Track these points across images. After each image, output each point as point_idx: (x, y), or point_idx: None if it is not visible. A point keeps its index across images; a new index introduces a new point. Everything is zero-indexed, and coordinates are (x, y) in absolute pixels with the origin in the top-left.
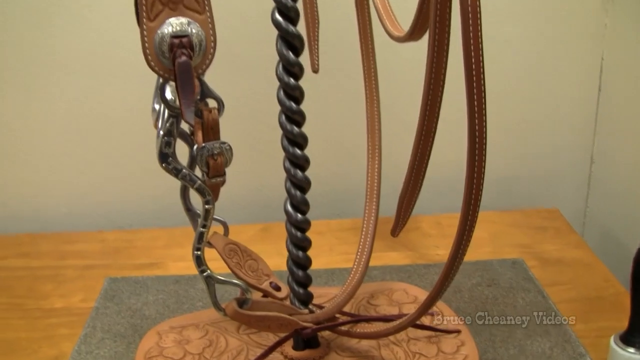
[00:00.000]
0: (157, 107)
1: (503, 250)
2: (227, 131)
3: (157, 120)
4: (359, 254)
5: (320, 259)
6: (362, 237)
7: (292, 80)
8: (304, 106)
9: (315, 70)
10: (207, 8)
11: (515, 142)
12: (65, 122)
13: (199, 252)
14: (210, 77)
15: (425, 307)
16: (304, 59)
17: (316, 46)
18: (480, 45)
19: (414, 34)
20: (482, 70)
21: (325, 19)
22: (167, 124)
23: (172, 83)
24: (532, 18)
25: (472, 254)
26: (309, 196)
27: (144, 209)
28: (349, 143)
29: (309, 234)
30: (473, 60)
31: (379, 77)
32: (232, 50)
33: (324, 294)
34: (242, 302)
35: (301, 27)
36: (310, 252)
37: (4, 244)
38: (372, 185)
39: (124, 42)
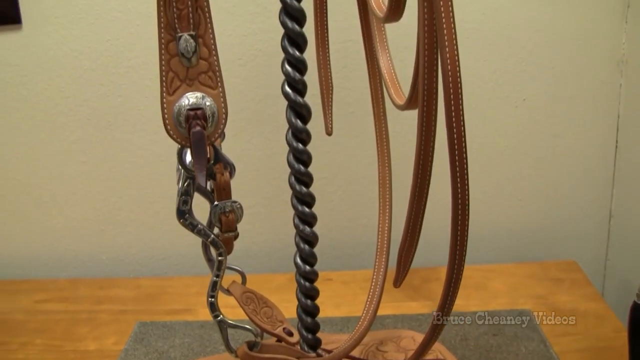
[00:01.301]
0: (180, 167)
1: (518, 302)
2: (261, 186)
3: (179, 178)
4: (367, 303)
5: (343, 307)
6: (372, 287)
7: (300, 145)
8: (325, 165)
9: (329, 133)
10: (219, 84)
11: (535, 197)
12: (108, 175)
13: (212, 299)
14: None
15: (419, 353)
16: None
17: (330, 110)
18: (461, 118)
19: (411, 103)
20: (463, 141)
21: (338, 84)
22: (185, 185)
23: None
24: (549, 77)
25: (488, 305)
26: (338, 248)
27: (179, 257)
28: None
29: (334, 283)
30: (455, 132)
31: (390, 138)
32: (254, 117)
33: (335, 340)
34: (252, 345)
35: (317, 92)
36: (333, 301)
37: (46, 288)
38: (382, 240)
39: None
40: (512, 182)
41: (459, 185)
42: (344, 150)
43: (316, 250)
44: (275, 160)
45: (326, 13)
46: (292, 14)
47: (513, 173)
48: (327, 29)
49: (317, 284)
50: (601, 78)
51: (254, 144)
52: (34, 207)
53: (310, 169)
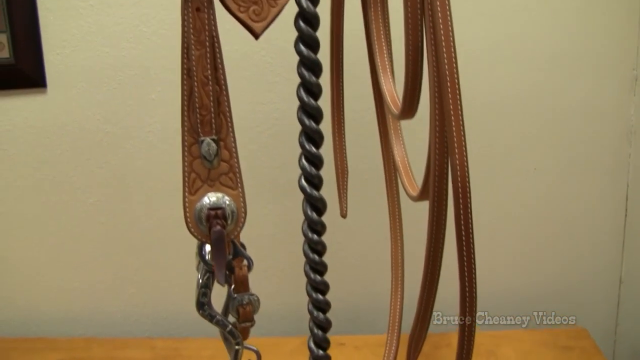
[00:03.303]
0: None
1: None
2: (276, 251)
3: (198, 264)
4: None
5: None
6: None
7: (315, 236)
8: (340, 230)
9: (344, 215)
10: (239, 185)
11: (546, 263)
12: (126, 236)
13: None
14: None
15: None
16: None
17: (345, 194)
18: (470, 220)
19: (422, 196)
20: (471, 241)
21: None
22: (205, 278)
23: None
24: (559, 147)
25: None
26: (351, 312)
27: (194, 317)
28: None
29: (346, 348)
30: (464, 234)
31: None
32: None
33: None
34: None
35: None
36: None
37: (60, 347)
38: (394, 318)
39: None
40: (523, 248)
41: (466, 283)
42: (360, 218)
43: (329, 314)
44: (291, 226)
45: (343, 100)
46: (309, 111)
47: (524, 240)
48: (343, 114)
49: (329, 350)
50: (610, 148)
51: (269, 209)
52: (51, 266)
53: (325, 232)
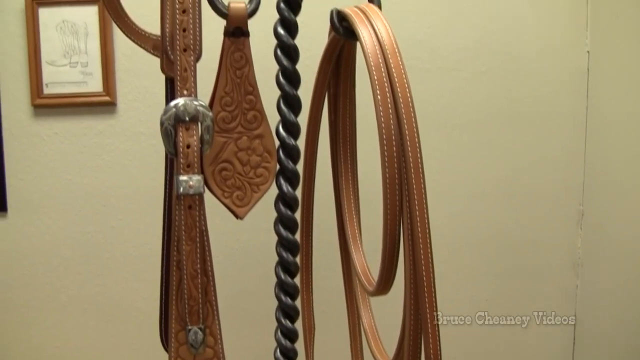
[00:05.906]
0: None
1: None
2: None
3: None
4: None
5: None
6: None
7: None
8: None
9: None
10: None
11: None
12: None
13: None
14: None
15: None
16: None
17: (312, 349)
18: None
19: None
20: None
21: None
22: None
23: None
24: (511, 283)
25: None
26: None
27: None
28: None
29: None
30: None
31: None
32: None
33: None
34: None
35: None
36: None
37: None
38: None
39: None
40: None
41: None
42: None
43: None
44: (247, 353)
45: (311, 260)
46: (286, 289)
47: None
48: (311, 273)
49: None
50: (559, 279)
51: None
52: None
53: None
